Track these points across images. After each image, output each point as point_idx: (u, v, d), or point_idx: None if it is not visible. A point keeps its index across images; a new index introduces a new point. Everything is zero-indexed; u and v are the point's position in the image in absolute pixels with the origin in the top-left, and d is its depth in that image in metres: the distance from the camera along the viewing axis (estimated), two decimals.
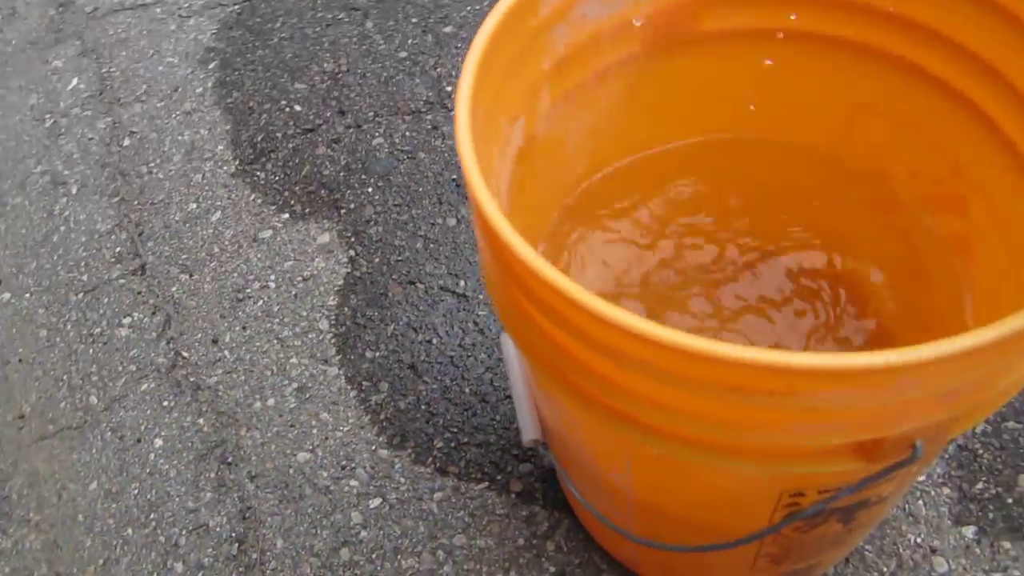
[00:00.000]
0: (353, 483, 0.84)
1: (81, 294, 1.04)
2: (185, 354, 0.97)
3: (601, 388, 0.46)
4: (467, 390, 0.88)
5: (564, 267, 0.75)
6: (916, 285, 0.67)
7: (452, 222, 1.02)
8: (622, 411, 0.47)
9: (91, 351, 0.99)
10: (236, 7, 1.34)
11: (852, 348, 0.68)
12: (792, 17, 0.69)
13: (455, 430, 0.85)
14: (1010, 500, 0.76)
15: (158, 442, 0.90)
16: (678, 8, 0.68)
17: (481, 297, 0.95)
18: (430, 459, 0.84)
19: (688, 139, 0.77)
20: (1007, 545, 0.74)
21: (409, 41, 1.24)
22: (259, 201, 1.09)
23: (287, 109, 1.18)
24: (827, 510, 0.51)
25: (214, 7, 1.35)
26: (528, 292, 0.45)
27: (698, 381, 0.40)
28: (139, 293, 1.03)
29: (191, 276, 1.03)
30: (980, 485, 0.77)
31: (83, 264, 1.07)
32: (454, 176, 1.07)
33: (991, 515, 0.76)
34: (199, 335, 0.98)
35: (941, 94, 0.63)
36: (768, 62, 0.72)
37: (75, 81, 1.28)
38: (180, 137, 1.18)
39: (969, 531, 0.75)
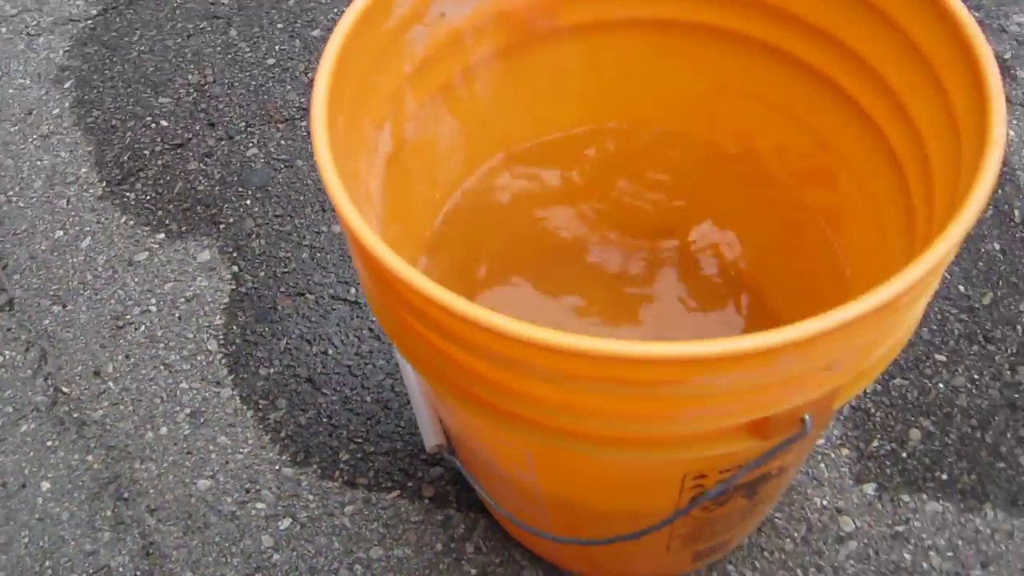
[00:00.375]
0: (260, 506, 0.82)
1: None
2: (65, 389, 0.92)
3: (491, 392, 0.46)
4: (368, 399, 0.87)
5: (454, 269, 0.75)
6: (796, 257, 0.70)
7: (337, 229, 1.01)
8: (515, 413, 0.47)
9: None
10: (89, 22, 1.28)
11: (736, 326, 0.70)
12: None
13: (360, 440, 0.84)
14: (904, 454, 0.81)
15: (45, 485, 0.86)
16: (535, 3, 0.69)
17: None
18: (337, 473, 0.83)
19: (561, 130, 0.78)
20: (906, 498, 0.79)
21: (276, 47, 1.21)
22: (131, 223, 1.05)
23: (153, 125, 1.14)
24: (731, 488, 0.53)
25: (65, 23, 1.28)
26: (403, 302, 0.45)
27: (585, 379, 0.41)
28: (8, 330, 0.98)
29: (64, 307, 0.99)
30: (875, 443, 0.81)
31: None
32: None
33: (888, 471, 0.80)
34: (79, 368, 0.94)
35: (802, 74, 0.66)
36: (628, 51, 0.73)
37: None
38: (39, 162, 1.12)
39: (870, 488, 0.79)
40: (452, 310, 0.39)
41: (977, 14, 1.21)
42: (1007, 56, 1.16)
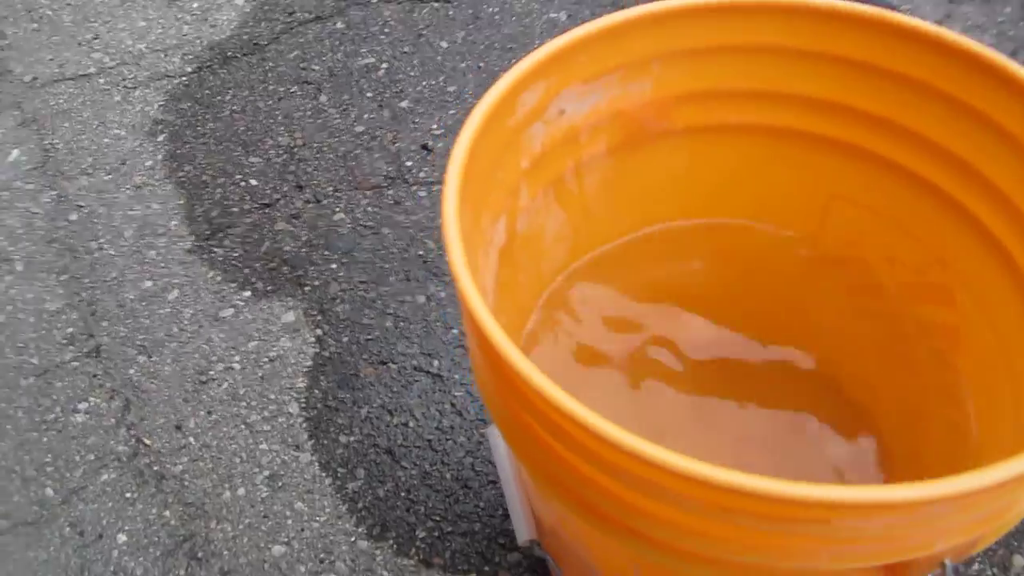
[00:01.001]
0: None
1: (32, 378, 1.00)
2: (147, 441, 0.94)
3: (614, 508, 0.46)
4: (448, 475, 0.87)
5: (546, 350, 0.76)
6: (905, 373, 0.70)
7: (421, 299, 1.02)
8: (633, 528, 0.47)
9: (45, 439, 0.94)
10: (183, 79, 1.32)
11: (849, 450, 0.69)
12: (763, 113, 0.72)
13: (438, 518, 0.84)
14: None
15: (122, 537, 0.87)
16: (652, 104, 0.70)
17: (457, 377, 0.94)
18: (413, 550, 0.83)
19: (665, 224, 0.79)
20: None
21: (365, 115, 1.24)
22: (218, 278, 1.07)
23: (242, 183, 1.17)
24: None
25: (160, 78, 1.32)
26: (535, 413, 0.45)
27: (722, 509, 0.41)
28: (95, 376, 0.99)
29: (150, 358, 1.00)
30: (976, 567, 0.80)
31: (33, 346, 1.02)
32: (420, 252, 1.07)
33: None
34: (161, 420, 0.95)
35: (919, 188, 0.66)
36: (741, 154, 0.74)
37: (15, 153, 1.24)
38: (131, 212, 1.15)
39: None
40: (599, 433, 0.40)
41: None
42: None
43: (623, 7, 1.43)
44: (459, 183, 0.53)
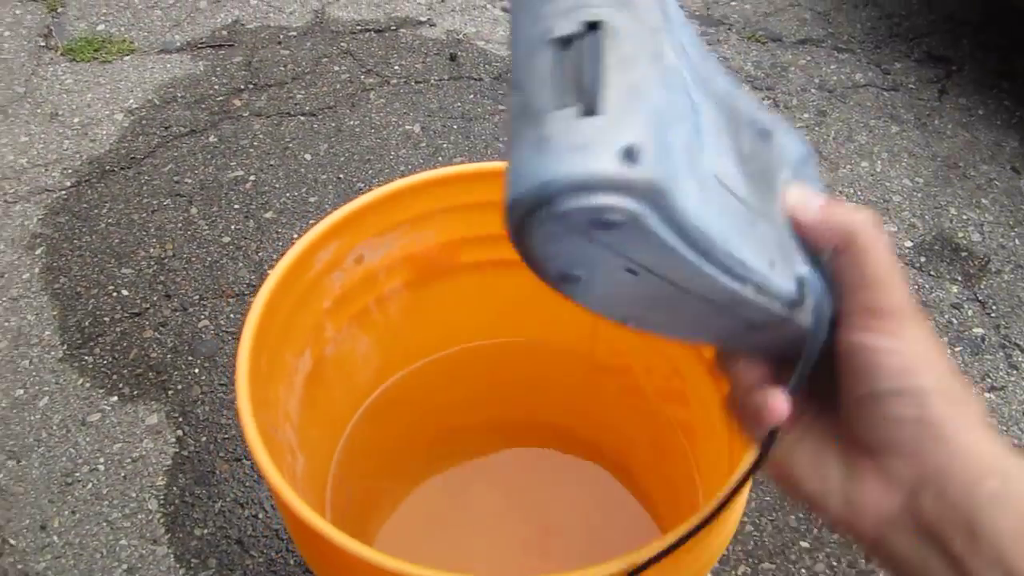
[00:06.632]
0: None
1: None
2: (12, 541, 1.02)
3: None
4: (292, 561, 0.98)
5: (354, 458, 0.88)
6: (661, 460, 0.85)
7: None
8: None
9: None
10: (63, 192, 1.42)
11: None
12: None
13: None
14: None
15: None
16: (439, 247, 0.84)
17: None
18: None
19: (464, 344, 0.92)
20: None
21: (232, 227, 1.36)
22: (87, 385, 1.16)
23: (114, 294, 1.27)
24: None
25: (40, 192, 1.42)
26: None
27: None
28: None
29: (18, 462, 1.09)
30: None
31: None
32: None
33: None
34: (27, 521, 1.03)
35: None
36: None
37: None
38: (6, 323, 1.24)
39: None
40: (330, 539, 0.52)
41: None
42: None
43: (472, 119, 1.58)
44: (253, 340, 0.64)
